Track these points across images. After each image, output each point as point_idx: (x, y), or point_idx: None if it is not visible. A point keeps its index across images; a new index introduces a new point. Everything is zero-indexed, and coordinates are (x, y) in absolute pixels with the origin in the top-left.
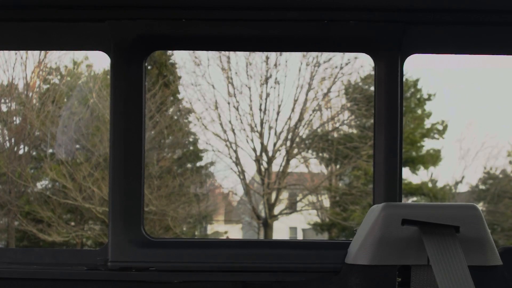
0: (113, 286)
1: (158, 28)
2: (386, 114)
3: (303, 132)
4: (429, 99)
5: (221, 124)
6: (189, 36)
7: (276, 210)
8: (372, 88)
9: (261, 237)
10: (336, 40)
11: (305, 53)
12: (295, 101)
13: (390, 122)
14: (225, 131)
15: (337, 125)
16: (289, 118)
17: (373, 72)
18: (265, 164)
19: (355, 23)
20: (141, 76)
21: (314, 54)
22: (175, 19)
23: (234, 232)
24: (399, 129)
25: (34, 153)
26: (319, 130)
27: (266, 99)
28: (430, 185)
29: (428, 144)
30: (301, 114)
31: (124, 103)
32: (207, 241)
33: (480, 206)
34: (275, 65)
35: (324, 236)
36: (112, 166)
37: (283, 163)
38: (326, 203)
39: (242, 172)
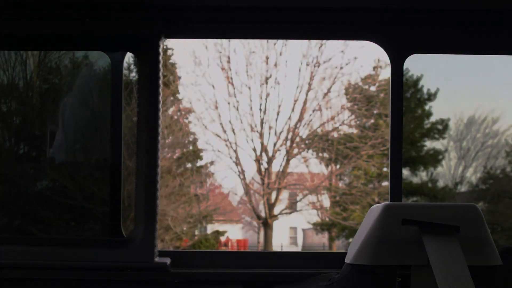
0: None
1: None
2: (147, 112)
3: (303, 132)
4: (429, 99)
5: (221, 124)
6: None
7: (276, 210)
8: (372, 88)
9: (261, 237)
10: (100, 39)
11: (304, 52)
12: (295, 101)
13: (151, 119)
14: (225, 131)
15: (337, 125)
16: (289, 118)
17: (373, 72)
18: (265, 164)
19: (116, 21)
20: None
21: (314, 54)
22: None
23: (234, 232)
24: (158, 129)
25: (34, 153)
26: (319, 130)
27: (266, 99)
28: (430, 185)
29: (428, 144)
30: (301, 114)
31: None
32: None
33: (480, 206)
34: (275, 65)
35: (324, 236)
36: None
37: (283, 163)
38: (326, 203)
39: (242, 172)
